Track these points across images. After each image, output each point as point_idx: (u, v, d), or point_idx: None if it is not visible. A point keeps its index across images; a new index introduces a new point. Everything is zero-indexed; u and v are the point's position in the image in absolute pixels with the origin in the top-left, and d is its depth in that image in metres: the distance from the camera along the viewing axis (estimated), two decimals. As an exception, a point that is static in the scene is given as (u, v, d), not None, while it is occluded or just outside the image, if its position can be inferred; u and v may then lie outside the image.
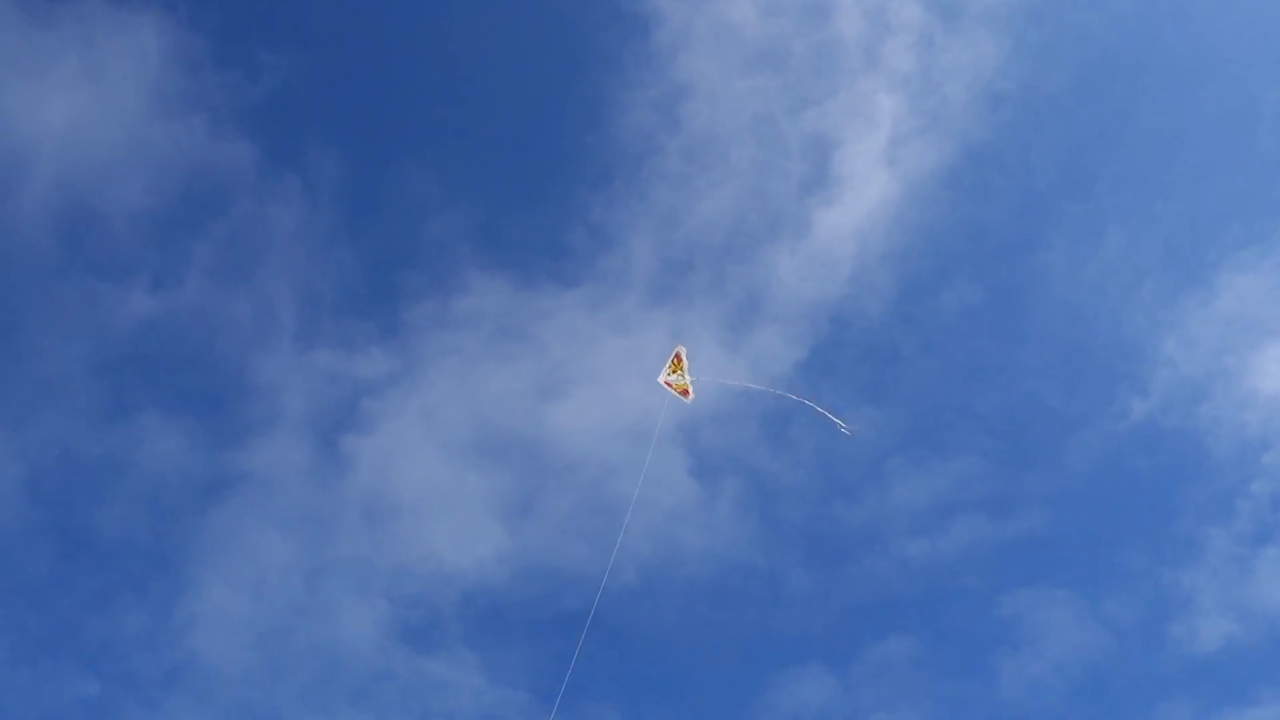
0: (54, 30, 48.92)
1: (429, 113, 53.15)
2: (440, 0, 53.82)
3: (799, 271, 50.94)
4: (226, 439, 47.59)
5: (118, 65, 49.43)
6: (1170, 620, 44.80)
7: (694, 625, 46.67)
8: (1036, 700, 45.01)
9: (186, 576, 44.75)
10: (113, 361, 47.78)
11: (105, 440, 46.59)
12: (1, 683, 41.57)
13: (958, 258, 51.05)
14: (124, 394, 47.80)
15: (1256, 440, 46.84)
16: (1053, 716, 45.03)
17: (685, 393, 28.22)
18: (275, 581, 45.38)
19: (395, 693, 44.02)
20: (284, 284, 49.68)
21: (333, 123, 51.75)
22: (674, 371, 28.38)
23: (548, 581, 45.55)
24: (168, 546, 45.49)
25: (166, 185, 49.38)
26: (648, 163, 51.57)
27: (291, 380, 48.71)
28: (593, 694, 44.57)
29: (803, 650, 46.24)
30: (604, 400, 47.96)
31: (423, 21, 52.93)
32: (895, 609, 47.41)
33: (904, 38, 51.91)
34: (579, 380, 49.29)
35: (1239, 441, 46.96)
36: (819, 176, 51.55)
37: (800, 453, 49.51)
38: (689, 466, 47.64)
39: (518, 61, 53.41)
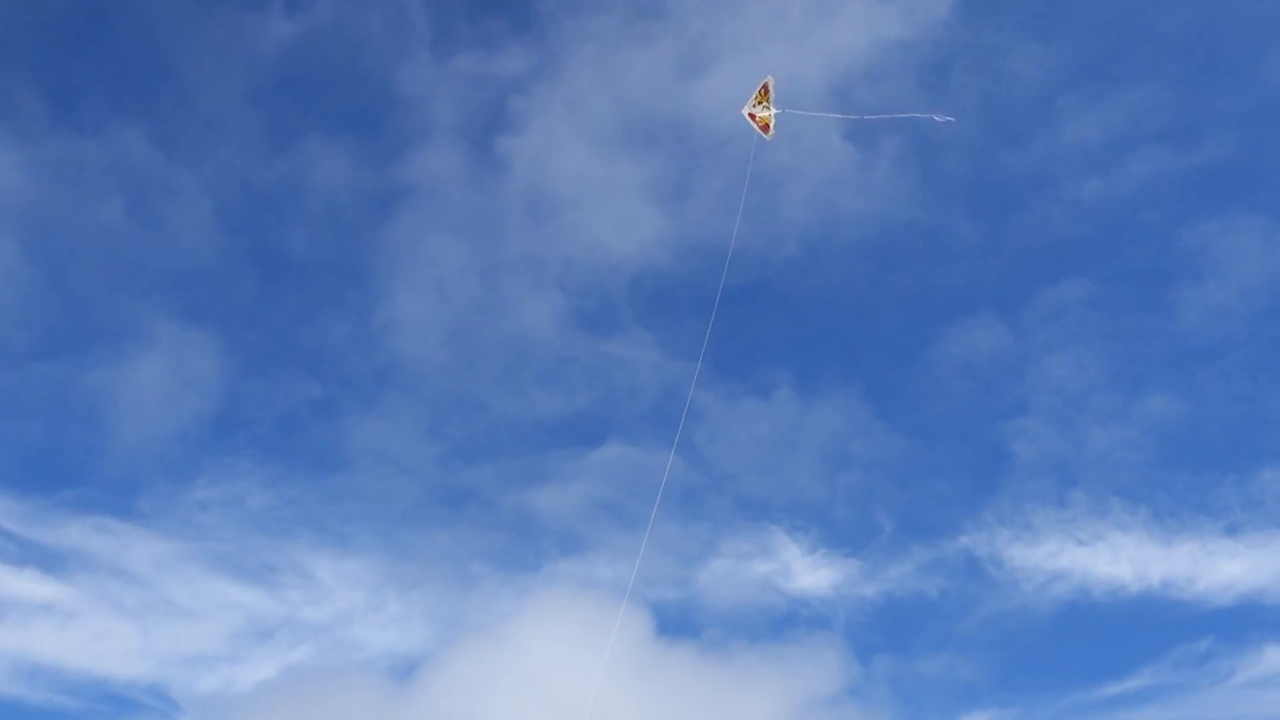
0: None
1: None
2: None
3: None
4: (387, 154, 49.61)
5: None
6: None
7: (860, 286, 47.33)
8: (1218, 329, 44.22)
9: (376, 286, 48.52)
10: (266, 90, 49.73)
11: (277, 167, 49.45)
12: (240, 393, 47.46)
13: None
14: (284, 121, 50.01)
15: None
16: (1235, 343, 44.33)
17: (766, 128, 27.30)
18: (455, 283, 48.59)
19: (580, 373, 47.55)
20: (411, -10, 49.17)
21: None
22: (759, 103, 27.36)
23: (710, 259, 46.82)
24: (354, 260, 49.11)
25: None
26: None
27: (436, 88, 49.50)
28: (767, 360, 46.71)
29: (971, 301, 46.44)
30: (750, 70, 46.11)
31: None
32: (1068, 252, 46.44)
33: None
34: (722, 53, 47.85)
35: None
36: None
37: (962, 101, 47.31)
38: (843, 130, 46.42)
39: None
